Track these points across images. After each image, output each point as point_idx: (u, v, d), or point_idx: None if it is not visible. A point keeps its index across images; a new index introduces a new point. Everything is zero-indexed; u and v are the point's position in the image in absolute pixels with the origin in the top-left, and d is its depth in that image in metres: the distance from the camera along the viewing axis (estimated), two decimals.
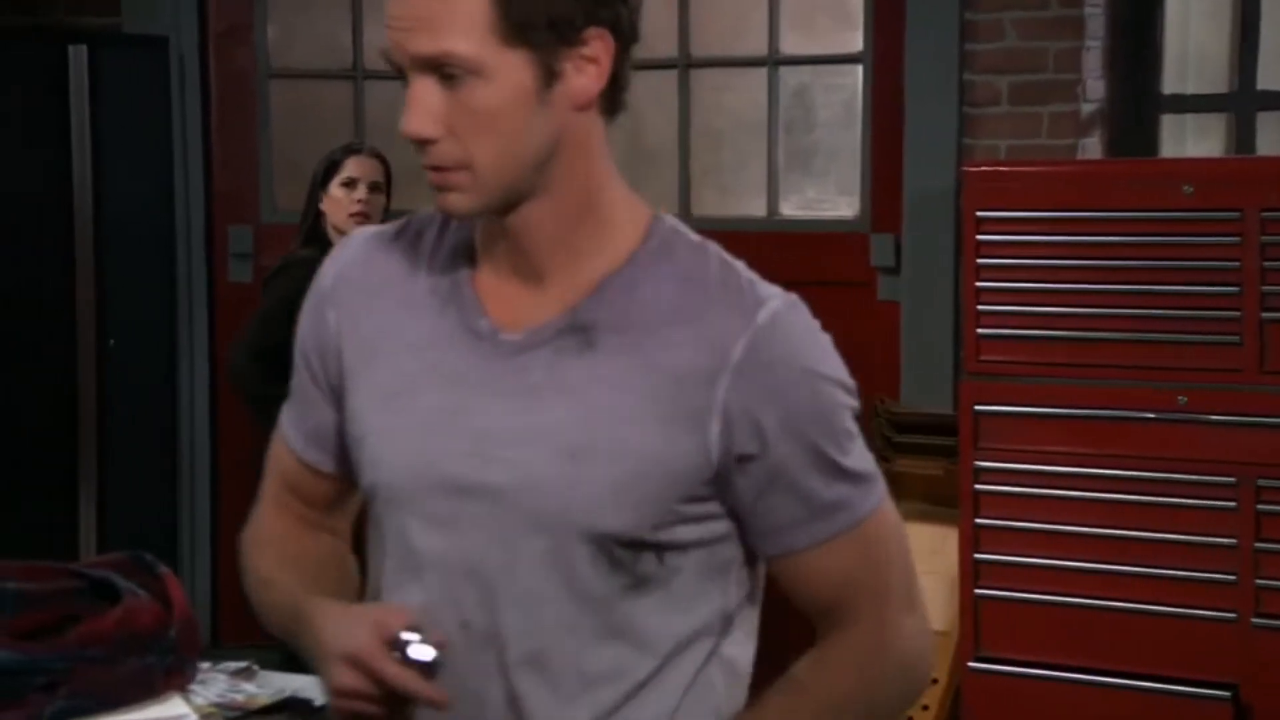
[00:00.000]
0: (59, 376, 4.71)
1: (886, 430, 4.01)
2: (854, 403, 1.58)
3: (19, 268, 4.70)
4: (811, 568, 1.57)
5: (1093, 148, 4.31)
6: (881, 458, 3.77)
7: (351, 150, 3.86)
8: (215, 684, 2.20)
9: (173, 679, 2.15)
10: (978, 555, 3.62)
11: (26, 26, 4.86)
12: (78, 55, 4.61)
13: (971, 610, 3.64)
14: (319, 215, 3.79)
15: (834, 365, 1.57)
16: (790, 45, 4.63)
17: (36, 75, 4.66)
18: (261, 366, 3.43)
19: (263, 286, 3.78)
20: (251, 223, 4.91)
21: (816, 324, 1.59)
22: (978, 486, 3.62)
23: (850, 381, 1.58)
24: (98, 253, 4.73)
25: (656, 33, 4.42)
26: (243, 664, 2.27)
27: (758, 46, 4.65)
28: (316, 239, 3.75)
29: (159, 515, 4.88)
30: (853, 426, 1.58)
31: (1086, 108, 4.30)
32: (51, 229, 4.72)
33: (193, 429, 4.94)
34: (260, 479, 1.73)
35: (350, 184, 3.77)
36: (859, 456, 1.58)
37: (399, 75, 1.50)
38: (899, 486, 3.68)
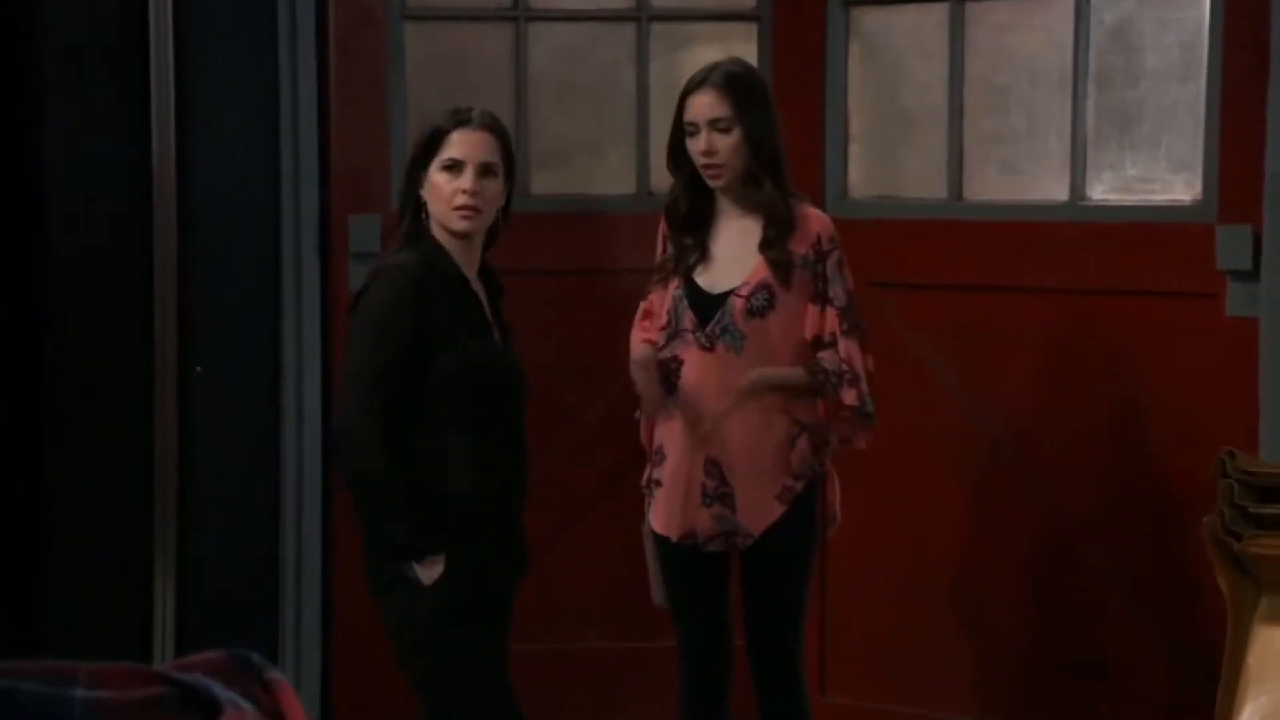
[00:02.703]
0: (130, 412, 4.78)
1: (1239, 497, 3.80)
2: None
3: (79, 271, 4.77)
4: None
5: None
6: (1231, 533, 3.67)
7: (459, 120, 3.65)
8: None
9: None
10: None
11: None
12: None
13: None
14: (420, 206, 3.64)
15: None
16: None
17: (106, 18, 4.74)
18: (378, 424, 3.42)
19: (349, 310, 3.65)
20: (380, 211, 4.83)
21: None
22: None
23: None
24: (181, 251, 4.77)
25: None
26: None
27: None
28: (418, 238, 3.61)
29: (256, 590, 4.92)
30: None
31: None
32: (122, 219, 4.78)
33: (300, 482, 4.90)
34: None
35: (453, 167, 3.59)
36: None
37: None
38: (1259, 571, 3.66)
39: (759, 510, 3.86)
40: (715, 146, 3.85)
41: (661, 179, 4.59)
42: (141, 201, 4.74)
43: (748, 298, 3.83)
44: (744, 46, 4.80)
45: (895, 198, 4.84)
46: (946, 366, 4.69)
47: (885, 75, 4.87)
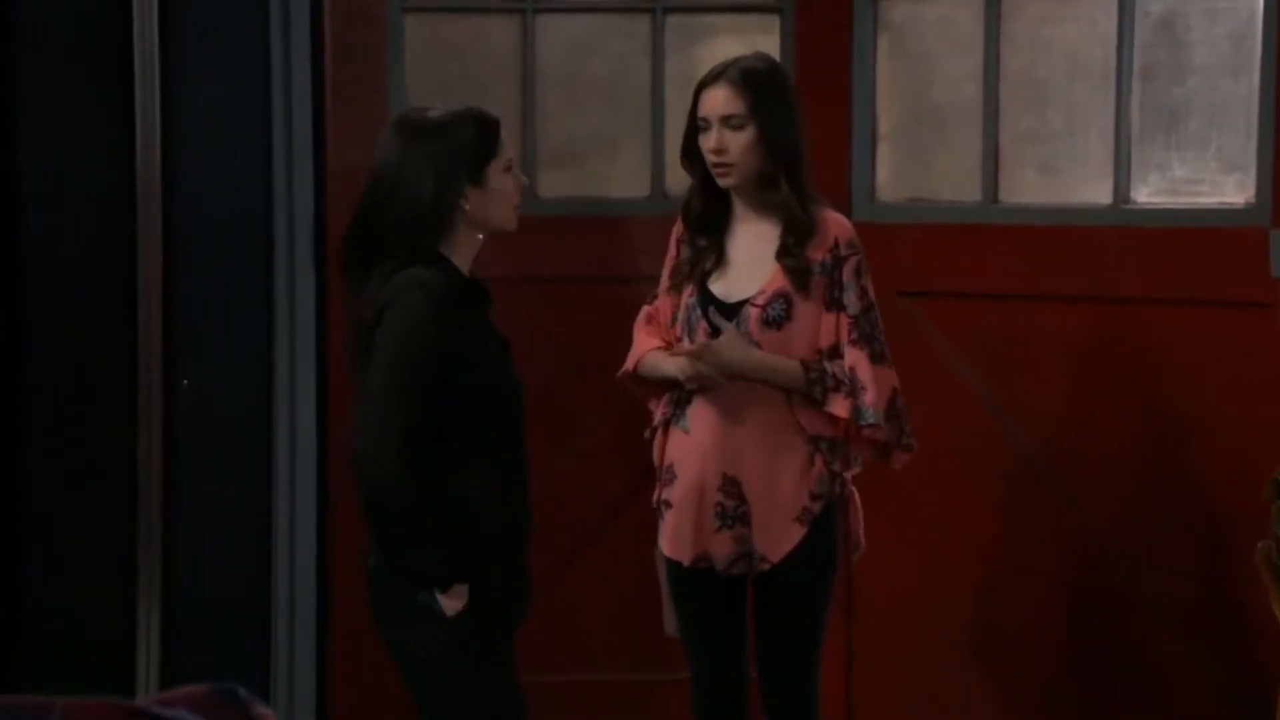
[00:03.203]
0: (113, 431, 4.78)
1: None
2: None
3: (57, 282, 4.78)
4: None
5: None
6: None
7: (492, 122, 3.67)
8: None
9: None
10: None
11: None
12: None
13: None
14: (451, 212, 3.55)
15: None
16: None
17: (84, 9, 4.72)
18: (407, 447, 3.37)
19: (376, 321, 3.52)
20: None
21: None
22: None
23: None
24: (167, 260, 4.77)
25: None
26: None
27: None
28: (428, 249, 3.53)
29: (245, 618, 4.92)
30: None
31: None
32: (103, 227, 4.77)
33: (293, 505, 4.91)
34: None
35: (510, 167, 3.63)
36: None
37: None
38: None
39: (777, 533, 3.82)
40: (725, 144, 3.82)
41: (677, 181, 4.59)
42: (124, 207, 4.73)
43: (764, 307, 3.79)
44: (765, 39, 4.75)
45: (926, 201, 4.82)
46: (980, 381, 4.67)
47: (915, 70, 4.84)
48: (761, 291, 3.80)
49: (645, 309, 4.01)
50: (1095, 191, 4.65)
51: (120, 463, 4.77)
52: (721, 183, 3.84)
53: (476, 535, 3.43)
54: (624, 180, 4.94)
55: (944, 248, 4.69)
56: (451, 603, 3.39)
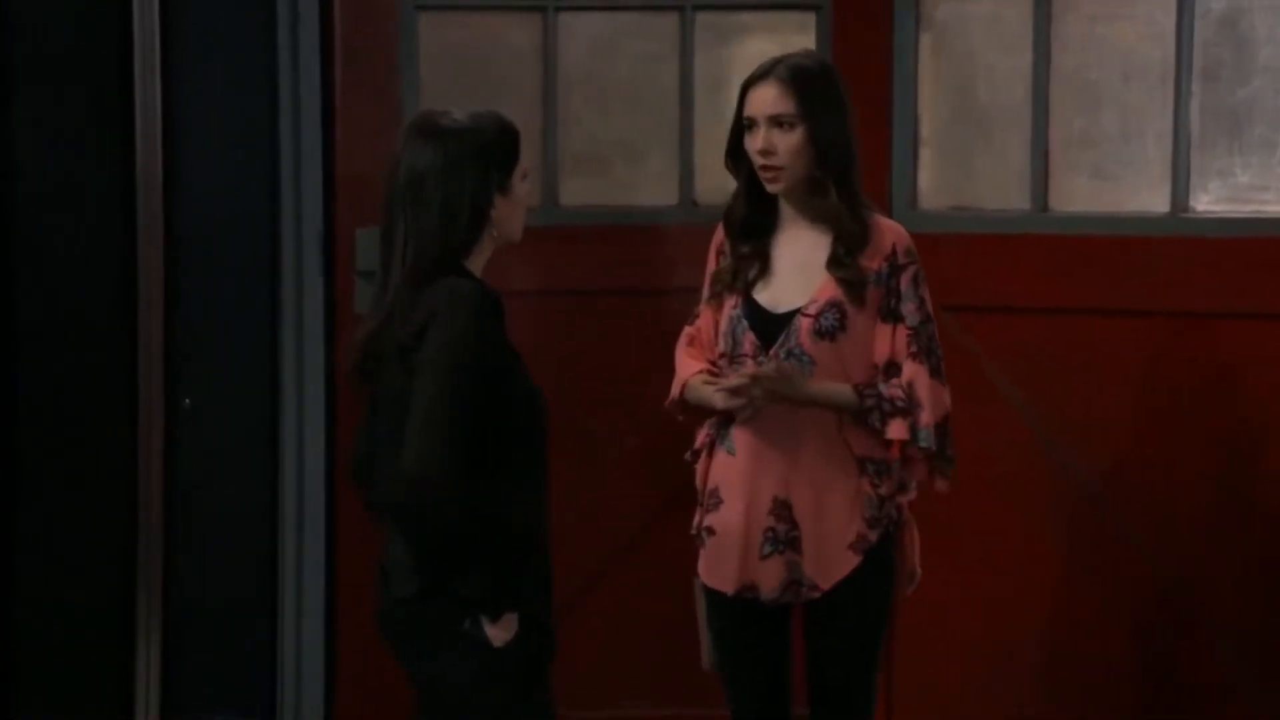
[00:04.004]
0: (112, 450, 4.80)
1: None
2: None
3: (53, 294, 4.79)
4: None
5: None
6: None
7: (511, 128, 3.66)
8: None
9: None
10: None
11: None
12: None
13: None
14: (482, 221, 3.51)
15: None
16: None
17: (83, 9, 4.74)
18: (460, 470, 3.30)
19: (415, 337, 3.44)
20: None
21: None
22: None
23: None
24: (168, 271, 4.80)
25: None
26: None
27: None
28: (452, 260, 3.47)
29: (249, 656, 4.92)
30: None
31: None
32: (102, 236, 4.79)
33: (300, 528, 4.92)
34: None
35: (526, 174, 3.61)
36: None
37: None
38: None
39: (830, 559, 3.70)
40: (774, 146, 3.71)
41: (706, 188, 4.52)
42: (124, 215, 4.74)
43: (816, 317, 3.66)
44: (800, 38, 4.67)
45: (971, 209, 4.75)
46: (1030, 402, 4.58)
47: (960, 71, 4.78)
48: (813, 301, 3.67)
49: (686, 330, 3.89)
50: (1152, 199, 4.64)
51: (120, 487, 4.76)
52: (770, 188, 3.72)
53: (524, 560, 3.37)
54: (650, 188, 4.86)
55: (990, 259, 4.61)
56: (499, 633, 3.31)
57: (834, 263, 3.68)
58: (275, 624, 4.90)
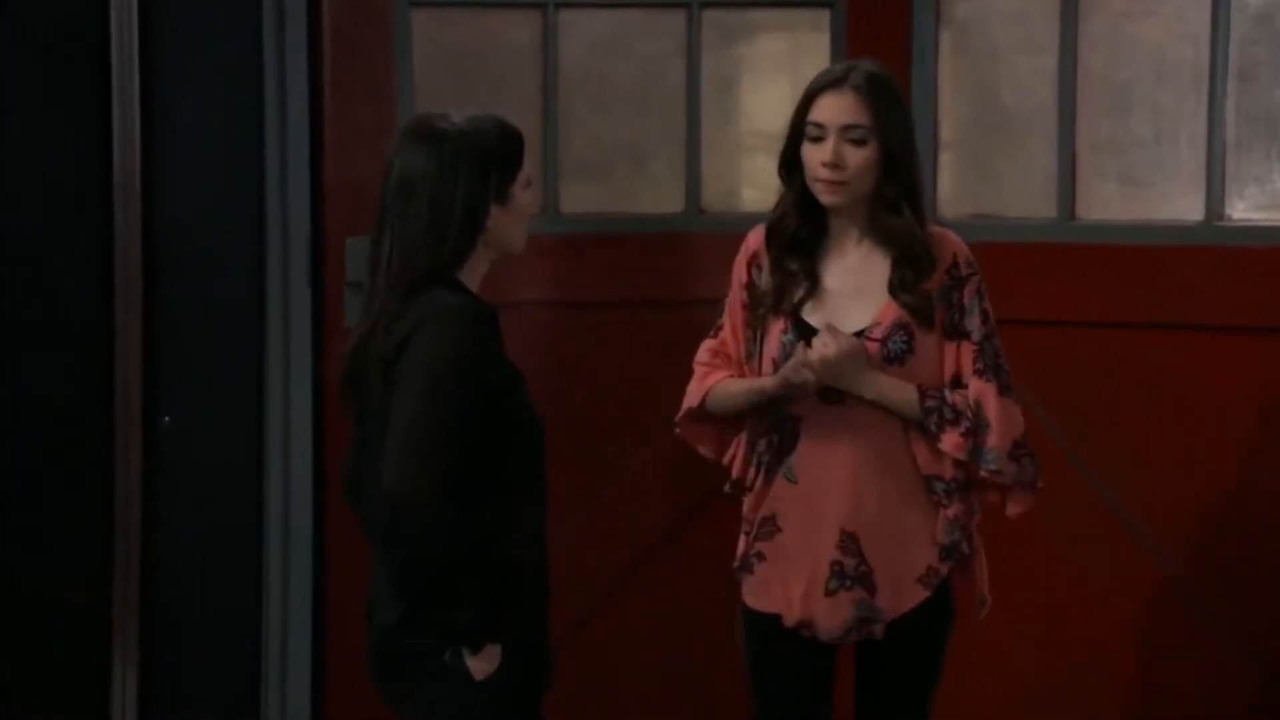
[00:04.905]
0: (87, 471, 4.76)
1: None
2: None
3: (24, 305, 4.74)
4: None
5: None
6: None
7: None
8: None
9: None
10: None
11: None
12: None
13: None
14: (476, 231, 3.48)
15: None
16: None
17: (61, 7, 4.69)
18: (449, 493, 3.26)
19: (396, 352, 3.41)
20: None
21: None
22: None
23: None
24: (147, 281, 4.75)
25: None
26: None
27: None
28: (444, 273, 3.45)
29: (232, 685, 4.91)
30: None
31: None
32: (76, 243, 4.74)
33: (286, 553, 4.87)
34: None
35: (529, 183, 3.57)
36: None
37: None
38: None
39: (899, 595, 3.62)
40: (845, 159, 3.61)
41: (713, 195, 4.49)
42: (100, 221, 4.69)
43: (883, 341, 3.58)
44: (814, 37, 4.62)
45: (994, 217, 4.73)
46: (1055, 419, 4.52)
47: (982, 71, 4.76)
48: (877, 324, 3.58)
49: (707, 343, 3.78)
50: (1185, 207, 4.65)
51: (95, 508, 4.71)
52: (825, 199, 3.62)
53: (512, 590, 3.31)
54: (655, 194, 4.82)
55: (1013, 270, 4.52)
56: (481, 665, 3.26)
57: (901, 286, 3.60)
58: (259, 646, 4.86)
